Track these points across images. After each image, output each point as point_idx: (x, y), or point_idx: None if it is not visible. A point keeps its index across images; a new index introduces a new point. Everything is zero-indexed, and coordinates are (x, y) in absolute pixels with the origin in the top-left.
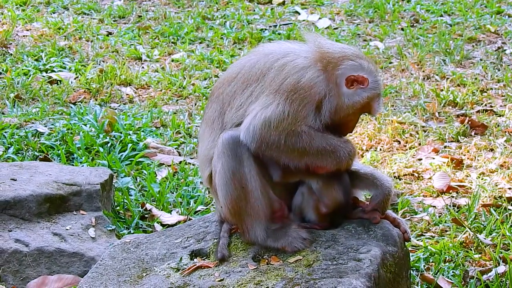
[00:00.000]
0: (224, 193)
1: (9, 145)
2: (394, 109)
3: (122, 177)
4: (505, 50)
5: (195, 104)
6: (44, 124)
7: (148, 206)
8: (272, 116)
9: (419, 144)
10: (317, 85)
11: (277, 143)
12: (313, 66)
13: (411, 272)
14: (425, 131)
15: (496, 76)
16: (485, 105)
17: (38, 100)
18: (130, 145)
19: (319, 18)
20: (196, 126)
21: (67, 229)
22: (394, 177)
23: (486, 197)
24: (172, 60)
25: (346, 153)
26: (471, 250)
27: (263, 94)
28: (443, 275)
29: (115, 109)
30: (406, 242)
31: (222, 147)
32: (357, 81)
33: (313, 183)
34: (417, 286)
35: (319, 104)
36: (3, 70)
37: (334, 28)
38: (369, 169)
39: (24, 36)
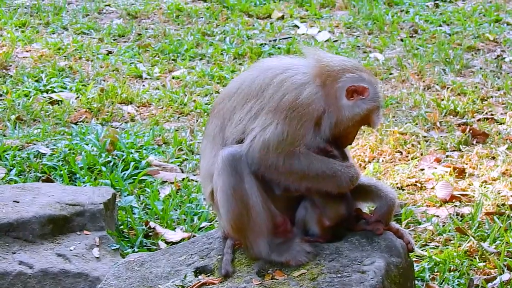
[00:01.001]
0: (226, 209)
1: (11, 167)
2: (396, 120)
3: (125, 196)
4: (505, 58)
5: (197, 121)
6: (46, 145)
7: (152, 224)
8: (270, 137)
9: (421, 154)
10: (316, 101)
11: (275, 165)
12: (312, 82)
13: (416, 282)
14: (426, 141)
15: (496, 84)
16: (486, 113)
17: (39, 121)
18: (132, 163)
19: (319, 31)
20: (198, 142)
21: (71, 250)
22: (397, 187)
23: (489, 205)
24: (173, 77)
25: (347, 178)
26: (475, 258)
27: (263, 111)
28: (448, 284)
29: (117, 128)
30: (410, 253)
31: (222, 164)
32: (357, 91)
33: (315, 196)
34: None
35: (319, 120)
36: (3, 92)
37: (334, 41)
38: (372, 181)
39: (24, 57)
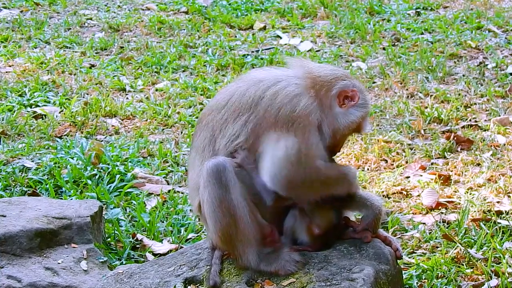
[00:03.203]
0: (213, 221)
1: None
2: (380, 128)
3: (111, 209)
4: (487, 64)
5: (181, 133)
6: (31, 159)
7: (139, 236)
8: (286, 155)
9: (406, 162)
10: (313, 111)
11: (300, 181)
12: (305, 93)
13: None
14: (411, 149)
15: (479, 91)
16: (470, 120)
17: (23, 136)
18: (118, 176)
19: (301, 42)
20: (183, 154)
21: (59, 263)
22: (383, 196)
23: (475, 211)
24: (156, 90)
25: (353, 175)
26: (463, 265)
27: (261, 127)
28: None
29: (102, 141)
30: (398, 260)
31: (207, 175)
32: (348, 97)
33: (305, 204)
34: None
35: (320, 130)
36: None
37: (316, 51)
38: (358, 190)
39: (6, 72)
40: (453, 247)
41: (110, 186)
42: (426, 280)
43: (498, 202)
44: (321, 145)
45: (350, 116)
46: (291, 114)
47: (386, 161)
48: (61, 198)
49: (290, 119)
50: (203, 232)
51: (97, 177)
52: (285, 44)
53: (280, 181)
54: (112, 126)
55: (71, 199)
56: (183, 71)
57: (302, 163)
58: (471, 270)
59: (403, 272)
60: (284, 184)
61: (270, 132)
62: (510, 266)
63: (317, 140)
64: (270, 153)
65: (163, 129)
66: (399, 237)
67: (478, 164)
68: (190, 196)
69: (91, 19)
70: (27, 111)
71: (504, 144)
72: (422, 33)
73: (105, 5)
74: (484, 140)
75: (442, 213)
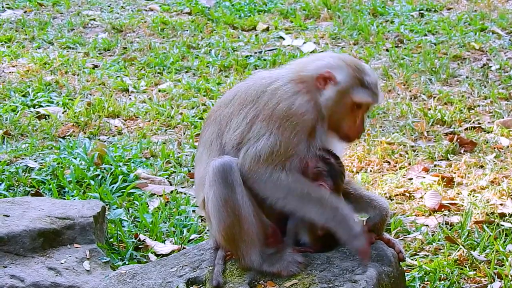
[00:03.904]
0: (217, 220)
1: (0, 182)
2: (383, 130)
3: (114, 209)
4: (491, 66)
5: (184, 133)
6: (34, 159)
7: (141, 236)
8: (263, 148)
9: (409, 164)
10: (309, 110)
11: (263, 178)
12: (302, 91)
13: None
14: (414, 151)
15: (483, 93)
16: (473, 122)
17: (27, 136)
18: (121, 176)
19: (304, 43)
20: (186, 155)
21: (61, 263)
22: (386, 197)
23: (478, 214)
24: (159, 90)
25: (328, 201)
26: (465, 267)
27: (258, 118)
28: None
29: (104, 141)
30: (401, 263)
31: (212, 174)
32: (326, 78)
33: None
34: None
35: (313, 130)
36: None
37: (320, 52)
38: (364, 191)
39: (10, 72)
40: (456, 249)
41: (113, 187)
42: (428, 282)
43: (501, 204)
44: (309, 148)
45: (331, 95)
46: (287, 111)
47: (389, 163)
48: (64, 198)
49: (285, 115)
50: (206, 233)
51: (100, 177)
52: (288, 45)
53: (244, 170)
54: (115, 126)
55: (74, 199)
56: (186, 72)
57: (273, 162)
58: (474, 272)
59: (406, 274)
60: (246, 174)
61: (262, 123)
62: None
63: (301, 142)
64: (251, 141)
65: (166, 129)
66: (402, 239)
67: (481, 166)
68: (195, 191)
69: (94, 19)
70: (31, 111)
71: (508, 146)
72: (425, 35)
73: (109, 6)
74: (487, 142)
75: (445, 215)
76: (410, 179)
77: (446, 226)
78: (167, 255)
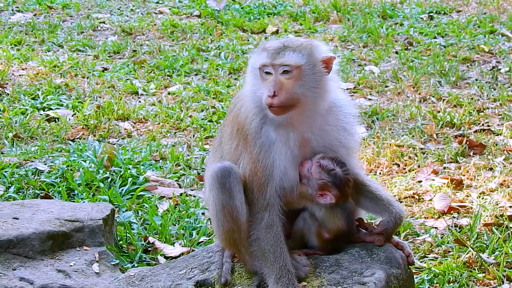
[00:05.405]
0: (216, 225)
1: (10, 184)
2: (392, 132)
3: (123, 212)
4: (500, 69)
5: (194, 136)
6: (44, 162)
7: (151, 239)
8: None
9: (419, 166)
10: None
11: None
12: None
13: None
14: (423, 153)
15: (492, 95)
16: (483, 124)
17: (36, 139)
18: (130, 179)
19: None
20: (195, 157)
21: (71, 266)
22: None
23: (487, 216)
24: (169, 93)
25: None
26: (474, 269)
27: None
28: None
29: (114, 144)
30: (410, 266)
31: (211, 179)
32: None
33: (316, 210)
34: None
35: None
36: (0, 110)
37: None
38: (384, 193)
39: (20, 75)
40: (465, 251)
41: (122, 189)
42: (437, 285)
43: (510, 206)
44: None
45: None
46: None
47: (398, 165)
48: (74, 201)
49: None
50: (215, 235)
51: (109, 180)
52: None
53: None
54: (125, 129)
55: (84, 202)
56: (196, 74)
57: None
58: (483, 274)
59: (415, 276)
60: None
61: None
62: None
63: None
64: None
65: (175, 132)
66: (411, 241)
67: (491, 169)
68: (205, 193)
69: (104, 22)
70: (40, 114)
71: None
72: (435, 37)
73: (118, 9)
74: (496, 145)
75: (454, 217)
76: (420, 181)
77: (455, 229)
78: (176, 257)
